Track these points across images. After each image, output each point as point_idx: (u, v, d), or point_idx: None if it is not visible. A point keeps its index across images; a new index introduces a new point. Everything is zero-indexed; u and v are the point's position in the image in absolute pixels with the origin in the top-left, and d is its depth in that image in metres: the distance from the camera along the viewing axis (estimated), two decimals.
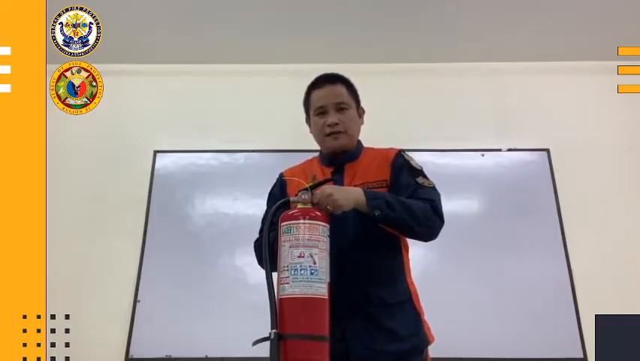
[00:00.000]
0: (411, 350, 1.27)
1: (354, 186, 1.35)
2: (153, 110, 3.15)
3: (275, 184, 1.53)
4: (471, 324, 2.53)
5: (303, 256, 1.11)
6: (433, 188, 1.38)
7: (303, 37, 2.97)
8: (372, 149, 1.52)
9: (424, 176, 1.40)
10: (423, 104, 3.08)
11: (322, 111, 1.43)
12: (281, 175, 1.52)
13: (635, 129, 2.99)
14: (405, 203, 1.26)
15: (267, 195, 1.53)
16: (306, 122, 1.54)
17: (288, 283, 1.11)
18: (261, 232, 1.44)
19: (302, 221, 1.14)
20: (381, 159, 1.43)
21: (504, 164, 2.91)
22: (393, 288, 1.32)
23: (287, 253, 1.13)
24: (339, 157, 1.45)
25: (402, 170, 1.39)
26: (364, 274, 1.28)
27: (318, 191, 1.19)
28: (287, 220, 1.16)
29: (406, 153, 1.46)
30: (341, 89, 1.45)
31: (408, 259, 1.41)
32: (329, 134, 1.42)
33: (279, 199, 1.32)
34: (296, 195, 1.20)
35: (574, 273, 2.64)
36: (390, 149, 1.48)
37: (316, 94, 1.46)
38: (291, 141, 2.83)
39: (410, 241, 1.42)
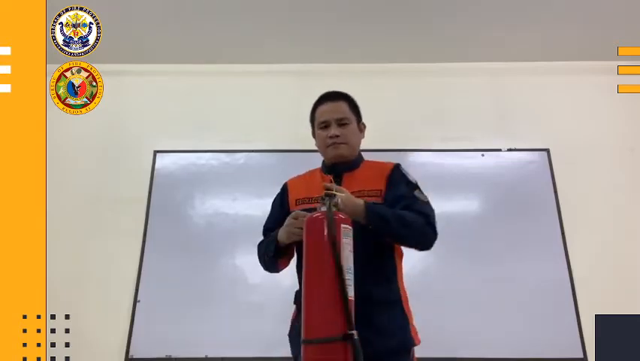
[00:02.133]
0: (397, 349, 1.32)
1: (352, 193, 1.38)
2: (153, 110, 3.15)
3: (278, 195, 1.62)
4: (471, 324, 2.53)
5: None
6: (428, 203, 1.46)
7: (304, 38, 2.97)
8: (372, 161, 1.60)
9: (420, 190, 1.49)
10: (423, 104, 3.08)
11: (325, 125, 1.54)
12: (285, 184, 1.62)
13: (635, 129, 2.99)
14: (400, 217, 1.34)
15: (266, 195, 1.62)
16: (313, 136, 1.64)
17: (350, 286, 1.13)
18: (265, 234, 1.57)
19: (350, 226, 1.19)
20: (379, 171, 1.52)
21: (504, 164, 2.91)
22: (385, 288, 1.39)
23: (348, 256, 1.16)
24: (339, 166, 1.53)
25: (399, 183, 1.48)
26: (358, 272, 1.28)
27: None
28: (346, 224, 1.18)
29: (402, 167, 1.55)
30: (343, 106, 1.55)
31: (401, 265, 1.48)
32: (330, 145, 1.51)
33: (279, 206, 1.55)
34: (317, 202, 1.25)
35: (574, 273, 2.64)
36: (388, 163, 1.57)
37: (320, 110, 1.57)
38: (291, 141, 2.83)
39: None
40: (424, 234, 1.38)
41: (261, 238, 1.58)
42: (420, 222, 1.37)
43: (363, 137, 1.62)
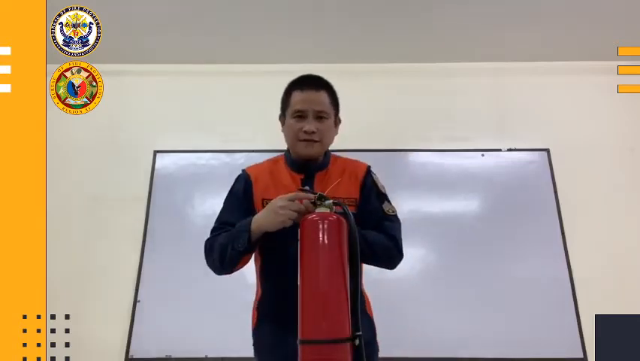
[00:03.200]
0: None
1: None
2: (153, 110, 3.15)
3: (238, 180, 1.48)
4: (470, 324, 2.53)
5: None
6: (395, 216, 1.39)
7: (304, 37, 2.97)
8: (340, 158, 1.49)
9: (389, 201, 1.41)
10: (423, 104, 3.08)
11: (301, 115, 1.39)
12: (246, 174, 1.48)
13: (635, 129, 2.99)
14: (368, 242, 1.27)
15: None
16: (279, 119, 1.50)
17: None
18: (220, 228, 1.40)
19: None
20: (351, 174, 1.42)
21: (504, 164, 2.91)
22: None
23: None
24: (309, 165, 1.42)
25: (370, 193, 1.40)
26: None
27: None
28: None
29: (373, 172, 1.45)
30: (324, 97, 1.40)
31: (362, 269, 1.38)
32: (303, 140, 1.38)
33: (243, 200, 1.38)
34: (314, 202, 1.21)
35: (574, 273, 2.64)
36: (359, 163, 1.47)
37: (297, 96, 1.41)
38: None
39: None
40: (388, 256, 1.33)
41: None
42: (388, 247, 1.32)
43: (337, 133, 1.49)
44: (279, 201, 1.21)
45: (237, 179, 1.49)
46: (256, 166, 1.51)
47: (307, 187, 1.29)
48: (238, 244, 1.26)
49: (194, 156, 2.98)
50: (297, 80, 1.45)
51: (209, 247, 1.38)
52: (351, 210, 1.22)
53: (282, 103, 1.48)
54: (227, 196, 1.49)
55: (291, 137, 1.42)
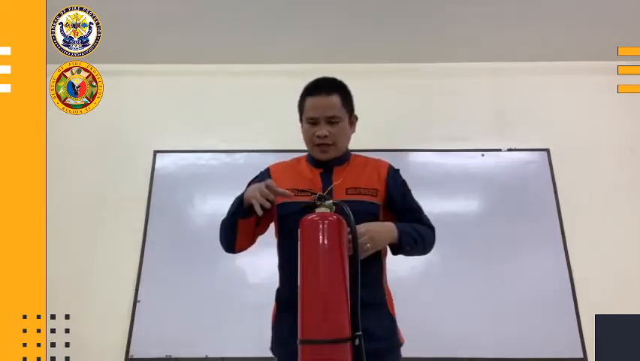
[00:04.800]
0: (386, 349, 1.33)
1: (346, 188, 1.40)
2: (153, 110, 3.15)
3: (260, 174, 1.54)
4: (471, 324, 2.53)
5: None
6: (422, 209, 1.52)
7: (304, 38, 2.97)
8: (360, 156, 1.55)
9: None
10: (423, 104, 3.08)
11: (313, 122, 1.44)
12: (268, 170, 1.54)
13: (635, 129, 2.99)
14: (421, 235, 1.41)
15: None
16: (299, 121, 1.54)
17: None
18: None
19: None
20: (372, 169, 1.48)
21: (504, 164, 2.91)
22: (373, 289, 1.37)
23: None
24: (329, 162, 1.48)
25: (404, 191, 1.49)
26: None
27: (359, 232, 1.25)
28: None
29: (396, 168, 1.53)
30: (334, 101, 1.43)
31: (385, 264, 1.46)
32: (317, 145, 1.45)
33: None
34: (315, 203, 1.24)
35: (574, 273, 2.64)
36: (379, 160, 1.53)
37: (310, 102, 1.45)
38: (291, 140, 2.80)
39: None
40: (432, 245, 1.47)
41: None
42: (431, 236, 1.46)
43: (354, 131, 1.53)
44: (262, 184, 1.28)
45: (259, 173, 1.56)
46: (279, 163, 1.58)
47: (319, 193, 1.28)
48: (232, 209, 1.38)
49: (194, 156, 2.98)
50: (309, 85, 1.50)
51: (220, 223, 1.46)
52: (371, 199, 1.37)
53: (298, 108, 1.53)
54: (246, 187, 1.52)
55: (307, 141, 1.49)
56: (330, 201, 1.21)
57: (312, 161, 1.51)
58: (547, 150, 2.92)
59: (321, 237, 1.16)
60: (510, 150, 2.94)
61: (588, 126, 3.00)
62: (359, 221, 1.27)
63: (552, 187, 2.83)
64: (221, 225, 1.44)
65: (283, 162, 1.58)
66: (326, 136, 1.42)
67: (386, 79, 3.10)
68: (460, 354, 2.47)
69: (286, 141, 2.87)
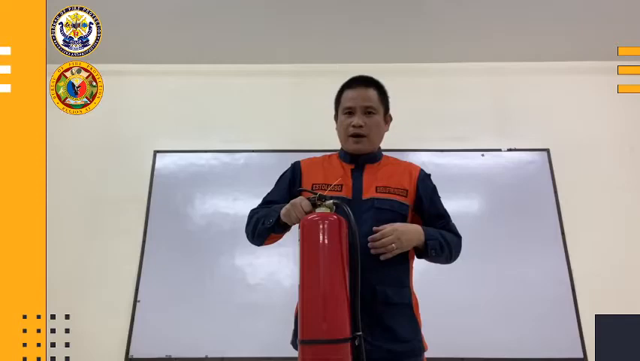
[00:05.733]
0: (407, 353, 1.31)
1: (376, 187, 1.41)
2: (153, 110, 3.15)
3: (290, 168, 1.55)
4: (471, 324, 2.53)
5: None
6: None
7: (303, 38, 2.97)
8: (392, 157, 1.56)
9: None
10: (423, 104, 3.08)
11: (350, 112, 1.46)
12: (299, 164, 1.55)
13: (635, 129, 2.99)
14: (449, 242, 1.41)
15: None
16: (334, 118, 1.56)
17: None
18: (264, 206, 1.49)
19: None
20: (404, 170, 1.49)
21: (504, 164, 2.91)
22: (399, 290, 1.36)
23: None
24: (361, 158, 1.48)
25: (434, 196, 1.49)
26: (374, 272, 1.30)
27: (386, 231, 1.28)
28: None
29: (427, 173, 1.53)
30: (372, 93, 1.48)
31: (413, 267, 1.45)
32: (352, 135, 1.45)
33: (289, 184, 1.48)
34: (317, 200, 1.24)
35: (574, 273, 2.64)
36: (411, 164, 1.54)
37: (347, 94, 1.48)
38: (291, 141, 2.83)
39: None
40: (458, 253, 1.48)
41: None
42: (459, 245, 1.47)
43: (388, 130, 1.56)
44: (302, 200, 1.27)
45: (290, 166, 1.57)
46: (310, 159, 1.58)
47: (319, 194, 1.30)
48: (267, 221, 1.37)
49: (194, 156, 2.98)
50: (349, 80, 1.53)
51: (250, 216, 1.49)
52: (400, 199, 1.38)
53: (335, 103, 1.55)
54: (277, 180, 1.57)
55: (342, 133, 1.49)
56: (331, 201, 1.22)
57: (345, 157, 1.51)
58: (547, 150, 2.92)
59: (321, 237, 1.16)
60: (510, 150, 2.94)
61: (588, 126, 3.00)
62: (388, 220, 1.31)
63: (552, 187, 2.83)
64: (252, 226, 1.44)
65: (314, 157, 1.58)
66: (361, 126, 1.44)
67: (386, 79, 3.06)
68: (460, 354, 2.47)
69: (286, 141, 2.88)
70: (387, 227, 1.29)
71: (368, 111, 1.46)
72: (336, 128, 1.54)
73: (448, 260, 1.44)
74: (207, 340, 2.56)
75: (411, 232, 1.34)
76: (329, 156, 1.56)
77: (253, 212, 1.49)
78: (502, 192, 2.84)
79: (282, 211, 1.31)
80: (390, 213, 1.36)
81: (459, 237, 1.48)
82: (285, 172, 1.56)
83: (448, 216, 1.50)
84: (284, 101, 3.06)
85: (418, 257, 1.42)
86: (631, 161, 2.92)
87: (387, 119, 1.55)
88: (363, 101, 1.45)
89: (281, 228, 1.36)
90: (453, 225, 1.50)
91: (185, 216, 2.84)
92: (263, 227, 1.39)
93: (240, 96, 3.13)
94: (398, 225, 1.32)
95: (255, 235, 1.44)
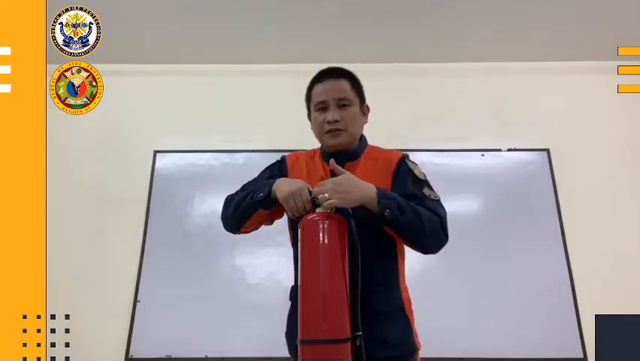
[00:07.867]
0: (399, 356, 1.25)
1: None
2: (153, 110, 3.15)
3: (276, 162, 1.49)
4: (471, 324, 2.53)
5: None
6: (439, 202, 1.31)
7: (304, 37, 2.97)
8: (376, 148, 1.45)
9: (430, 187, 1.34)
10: (423, 104, 3.08)
11: (323, 107, 1.37)
12: (284, 158, 1.48)
13: (635, 129, 2.99)
14: (416, 210, 1.20)
15: None
16: (308, 117, 1.47)
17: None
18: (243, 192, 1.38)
19: None
20: (383, 164, 1.37)
21: (504, 164, 2.91)
22: (387, 296, 1.28)
23: None
24: (340, 155, 1.35)
25: (406, 178, 1.32)
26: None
27: (327, 181, 1.19)
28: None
29: (410, 159, 1.39)
30: (344, 85, 1.38)
31: (404, 266, 1.37)
32: (328, 132, 1.36)
33: (273, 176, 1.36)
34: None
35: (574, 273, 2.64)
36: (394, 153, 1.41)
37: (318, 88, 1.40)
38: (292, 141, 2.82)
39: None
40: (436, 233, 1.23)
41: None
42: (434, 221, 1.23)
43: (367, 122, 1.45)
44: (303, 190, 1.21)
45: (276, 161, 1.49)
46: (296, 155, 1.49)
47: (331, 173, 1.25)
48: (258, 194, 1.27)
49: (194, 156, 2.98)
50: (316, 74, 1.44)
51: (229, 200, 1.38)
52: None
53: (306, 101, 1.46)
54: (261, 171, 1.49)
55: (318, 130, 1.40)
56: (331, 201, 1.21)
57: (325, 156, 1.40)
58: (547, 150, 2.92)
59: (321, 236, 1.15)
60: (510, 150, 2.94)
61: (588, 126, 3.00)
62: (364, 224, 1.21)
63: (552, 187, 2.83)
64: (235, 204, 1.32)
65: (298, 153, 1.49)
66: (337, 121, 1.34)
67: (386, 79, 3.09)
68: (461, 354, 2.47)
69: (286, 141, 2.87)
70: (327, 182, 1.19)
71: (342, 104, 1.36)
72: (311, 128, 1.44)
73: (422, 235, 1.21)
74: (207, 340, 2.56)
75: (357, 185, 1.19)
76: (313, 153, 1.47)
77: (231, 196, 1.38)
78: (502, 192, 2.84)
79: (282, 195, 1.22)
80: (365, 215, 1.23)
81: (437, 215, 1.25)
82: (271, 165, 1.48)
83: (423, 195, 1.28)
84: (284, 101, 3.05)
85: (375, 224, 1.21)
86: (631, 161, 2.92)
87: (365, 110, 1.44)
88: (336, 94, 1.36)
89: (271, 204, 1.27)
90: (431, 204, 1.27)
91: (185, 216, 2.84)
92: (252, 201, 1.27)
93: (240, 96, 3.13)
94: (341, 178, 1.20)
95: (237, 213, 1.31)
